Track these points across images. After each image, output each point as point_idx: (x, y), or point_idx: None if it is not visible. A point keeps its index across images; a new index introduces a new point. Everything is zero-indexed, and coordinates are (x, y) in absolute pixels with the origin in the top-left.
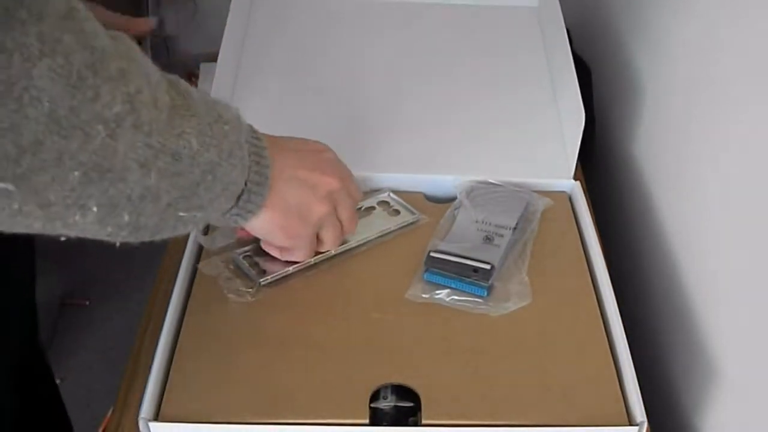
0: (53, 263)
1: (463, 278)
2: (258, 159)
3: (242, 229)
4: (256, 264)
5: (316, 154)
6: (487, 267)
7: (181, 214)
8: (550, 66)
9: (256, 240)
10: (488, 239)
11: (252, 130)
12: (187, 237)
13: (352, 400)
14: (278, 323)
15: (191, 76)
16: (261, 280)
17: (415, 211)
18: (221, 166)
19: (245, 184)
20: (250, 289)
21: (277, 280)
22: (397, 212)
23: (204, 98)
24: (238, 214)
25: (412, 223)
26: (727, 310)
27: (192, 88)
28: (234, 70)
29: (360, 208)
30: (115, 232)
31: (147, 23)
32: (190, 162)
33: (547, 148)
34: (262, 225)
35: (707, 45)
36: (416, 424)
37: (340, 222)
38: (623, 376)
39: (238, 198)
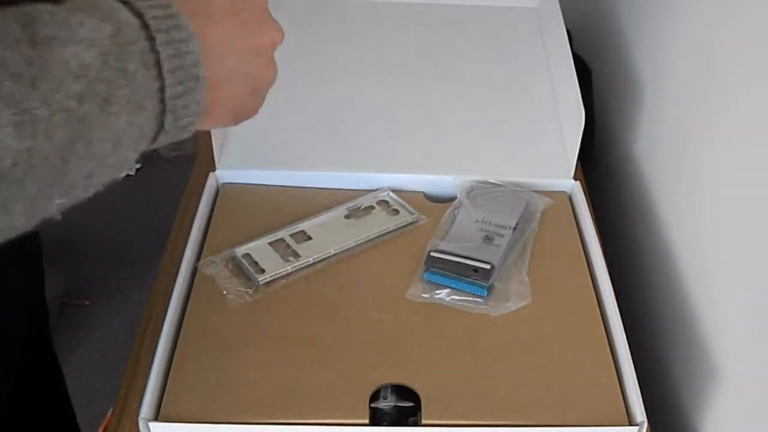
0: (53, 263)
1: (463, 278)
2: (177, 63)
3: None
4: (256, 263)
5: (250, 4)
6: (487, 267)
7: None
8: (550, 66)
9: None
10: (488, 239)
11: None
12: (186, 237)
13: (352, 400)
14: (278, 323)
15: None
16: (260, 279)
17: (414, 211)
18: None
19: (162, 100)
20: (249, 289)
21: (276, 279)
22: (397, 212)
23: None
24: (174, 132)
25: (411, 223)
26: (727, 310)
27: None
28: None
29: (359, 207)
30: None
31: None
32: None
33: (547, 148)
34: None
35: (707, 45)
36: (416, 424)
37: None
38: (623, 376)
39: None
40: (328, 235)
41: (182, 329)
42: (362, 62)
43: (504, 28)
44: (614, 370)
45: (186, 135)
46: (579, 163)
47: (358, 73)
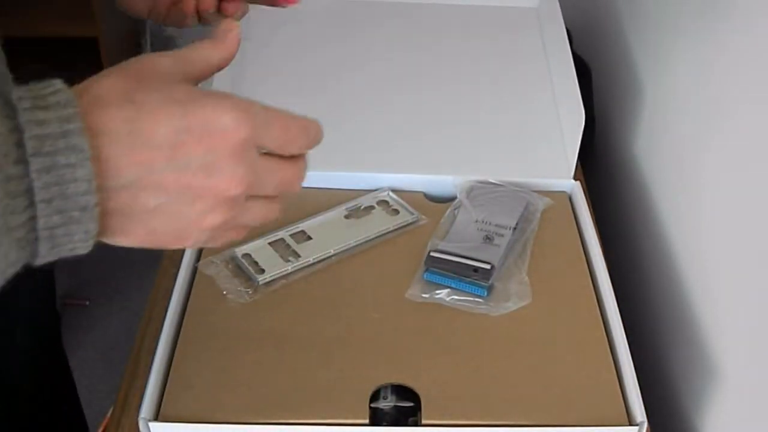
0: (53, 263)
1: (463, 278)
2: (55, 181)
3: None
4: (256, 263)
5: (202, 141)
6: (487, 267)
7: None
8: (550, 66)
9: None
10: (488, 239)
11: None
12: None
13: (352, 400)
14: (278, 323)
15: None
16: (260, 279)
17: (414, 211)
18: None
19: (34, 229)
20: (249, 289)
21: (276, 279)
22: (397, 212)
23: None
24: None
25: (411, 223)
26: (727, 310)
27: None
28: (234, 70)
29: (359, 207)
30: None
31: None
32: None
33: (547, 148)
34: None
35: (707, 45)
36: (416, 424)
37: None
38: (623, 376)
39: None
40: (328, 235)
41: (182, 329)
42: (362, 62)
43: (504, 28)
44: (614, 370)
45: (78, 253)
46: (579, 163)
47: (358, 74)
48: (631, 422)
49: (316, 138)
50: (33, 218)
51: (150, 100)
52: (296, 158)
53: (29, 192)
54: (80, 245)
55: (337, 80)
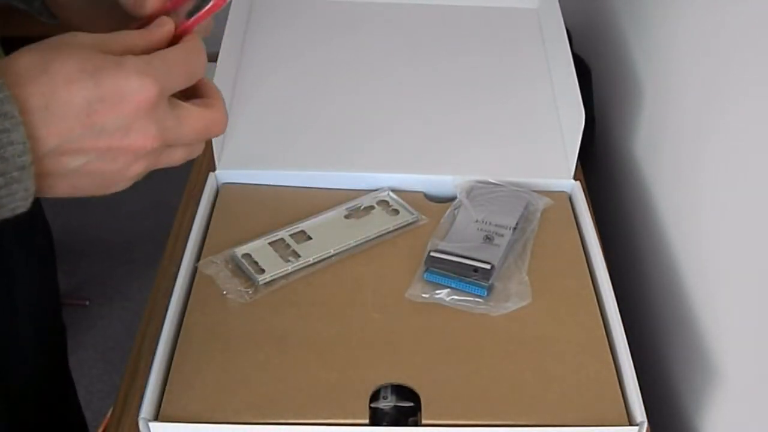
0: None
1: (463, 278)
2: None
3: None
4: (256, 263)
5: (114, 107)
6: (487, 267)
7: None
8: (550, 66)
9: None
10: (488, 239)
11: None
12: (186, 237)
13: (352, 400)
14: (278, 323)
15: None
16: (260, 279)
17: (414, 211)
18: None
19: None
20: (249, 289)
21: (276, 279)
22: (396, 212)
23: None
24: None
25: (411, 223)
26: (727, 310)
27: None
28: (234, 70)
29: (359, 207)
30: None
31: None
32: None
33: (547, 148)
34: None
35: (707, 45)
36: (416, 424)
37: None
38: (623, 376)
39: None
40: (328, 235)
41: (182, 329)
42: (362, 62)
43: (504, 28)
44: (614, 370)
45: (19, 211)
46: (579, 163)
47: (358, 74)
48: (631, 422)
49: (200, 52)
50: None
51: (63, 70)
52: (213, 105)
53: None
54: (21, 203)
55: (337, 81)
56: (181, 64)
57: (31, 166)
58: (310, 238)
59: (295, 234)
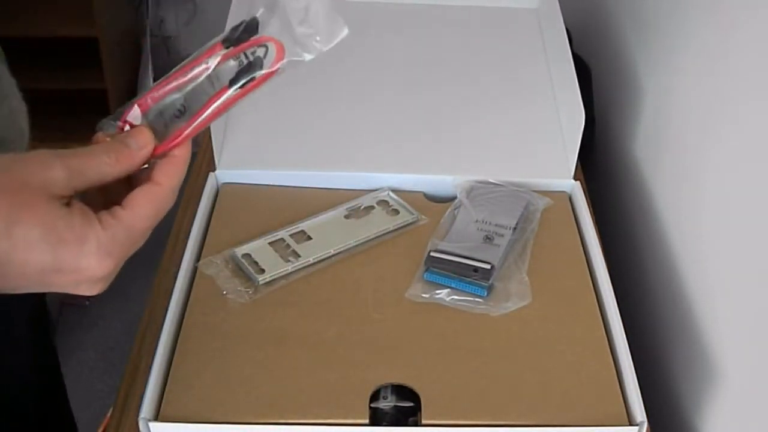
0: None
1: (463, 278)
2: None
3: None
4: (255, 263)
5: (67, 276)
6: (488, 267)
7: None
8: (550, 66)
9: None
10: (488, 239)
11: None
12: (186, 237)
13: (352, 400)
14: (278, 323)
15: None
16: (260, 279)
17: (414, 211)
18: None
19: None
20: (249, 289)
21: (276, 279)
22: (396, 212)
23: None
24: None
25: (411, 223)
26: (727, 310)
27: None
28: None
29: (359, 207)
30: None
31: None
32: None
33: (547, 148)
34: None
35: (707, 45)
36: (416, 424)
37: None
38: (623, 376)
39: None
40: (328, 235)
41: (182, 329)
42: (362, 63)
43: (504, 28)
44: (614, 370)
45: None
46: (579, 163)
47: (358, 74)
48: (631, 422)
49: (170, 200)
50: None
51: (26, 237)
52: (160, 184)
53: None
54: None
55: (336, 81)
56: (149, 220)
57: None
58: (310, 238)
59: (295, 234)
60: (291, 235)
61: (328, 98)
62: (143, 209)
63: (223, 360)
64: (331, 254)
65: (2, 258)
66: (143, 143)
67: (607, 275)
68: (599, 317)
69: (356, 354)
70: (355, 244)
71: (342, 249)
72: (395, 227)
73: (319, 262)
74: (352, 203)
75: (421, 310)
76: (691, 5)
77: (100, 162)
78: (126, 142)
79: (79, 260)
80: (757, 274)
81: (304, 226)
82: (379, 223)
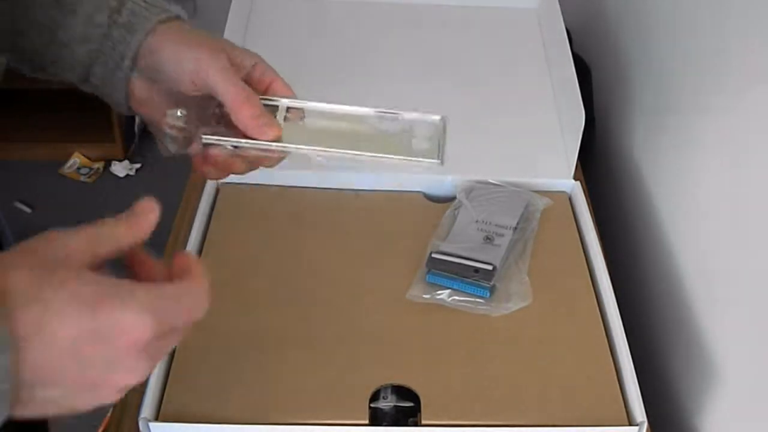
0: None
1: (465, 279)
2: None
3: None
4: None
5: (105, 343)
6: (489, 267)
7: None
8: (550, 66)
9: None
10: (488, 239)
11: None
12: (186, 237)
13: (352, 400)
14: (278, 323)
15: None
16: (203, 135)
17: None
18: None
19: None
20: (182, 134)
21: (219, 145)
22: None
23: None
24: None
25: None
26: (727, 310)
27: None
28: None
29: (396, 119)
30: None
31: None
32: None
33: (547, 148)
34: None
35: (707, 45)
36: (416, 424)
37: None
38: (623, 376)
39: None
40: (322, 130)
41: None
42: (362, 63)
43: (504, 28)
44: (614, 370)
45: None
46: (579, 163)
47: (358, 74)
48: (631, 422)
49: (205, 296)
50: None
51: (57, 298)
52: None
53: None
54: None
55: (336, 81)
56: (186, 304)
57: (7, 392)
58: (302, 119)
59: (294, 109)
60: (289, 108)
61: (328, 98)
62: (181, 288)
63: (223, 360)
64: (303, 151)
65: (35, 325)
66: (148, 208)
67: (607, 275)
68: (599, 317)
69: (356, 354)
70: (341, 155)
71: (324, 152)
72: (403, 159)
73: (284, 151)
74: (393, 114)
75: (421, 311)
76: (692, 5)
77: (116, 233)
78: (134, 211)
79: (118, 316)
80: (756, 273)
81: (309, 106)
82: (394, 147)
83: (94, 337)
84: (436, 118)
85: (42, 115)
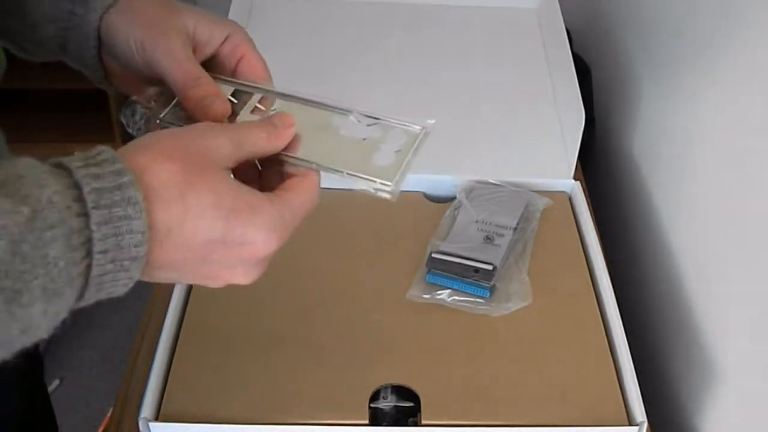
0: None
1: (465, 279)
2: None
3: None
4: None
5: (231, 250)
6: (489, 267)
7: None
8: (550, 66)
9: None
10: (488, 239)
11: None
12: None
13: (352, 400)
14: (278, 323)
15: None
16: (159, 118)
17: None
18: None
19: (87, 277)
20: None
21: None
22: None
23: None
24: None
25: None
26: (727, 310)
27: None
28: None
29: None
30: None
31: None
32: None
33: (547, 148)
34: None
35: (707, 45)
36: (416, 424)
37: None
38: (623, 376)
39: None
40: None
41: (182, 329)
42: (362, 63)
43: (504, 28)
44: (614, 370)
45: (115, 296)
46: (579, 163)
47: (358, 74)
48: (631, 422)
49: (318, 192)
50: (89, 267)
51: (199, 204)
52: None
53: (88, 243)
54: (120, 290)
55: (336, 80)
56: (305, 211)
57: (143, 258)
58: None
59: (271, 93)
60: (262, 99)
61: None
62: (303, 195)
63: (223, 360)
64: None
65: (173, 224)
66: (288, 123)
67: (607, 275)
68: (599, 317)
69: (356, 354)
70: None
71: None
72: (351, 175)
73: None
74: (380, 122)
75: (421, 311)
76: (692, 5)
77: (257, 137)
78: (273, 122)
79: (248, 232)
80: (756, 273)
81: (282, 99)
82: (353, 160)
83: (222, 245)
84: (417, 128)
85: (42, 115)
